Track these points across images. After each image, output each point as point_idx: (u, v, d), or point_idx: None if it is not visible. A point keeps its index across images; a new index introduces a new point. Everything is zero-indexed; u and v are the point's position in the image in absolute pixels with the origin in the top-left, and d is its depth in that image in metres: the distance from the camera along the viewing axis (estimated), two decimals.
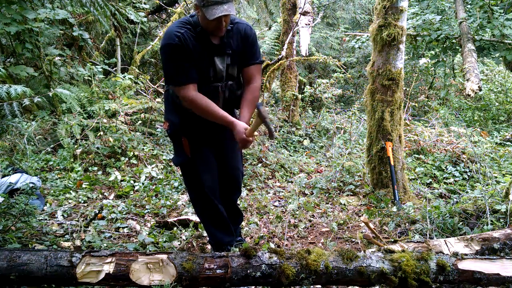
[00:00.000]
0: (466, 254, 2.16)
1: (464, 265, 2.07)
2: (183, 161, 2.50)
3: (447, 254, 2.15)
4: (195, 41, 2.24)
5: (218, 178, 2.61)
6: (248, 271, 2.04)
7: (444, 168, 4.69)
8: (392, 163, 3.82)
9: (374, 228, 3.14)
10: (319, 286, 2.31)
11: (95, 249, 2.58)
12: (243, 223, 3.30)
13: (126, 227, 3.29)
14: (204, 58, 2.29)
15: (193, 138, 2.46)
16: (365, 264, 2.06)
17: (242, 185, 3.34)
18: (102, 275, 2.00)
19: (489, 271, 2.04)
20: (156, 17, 9.46)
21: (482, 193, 3.24)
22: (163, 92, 6.54)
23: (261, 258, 2.08)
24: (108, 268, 2.01)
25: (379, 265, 2.06)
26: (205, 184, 2.51)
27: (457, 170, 4.58)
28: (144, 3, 7.30)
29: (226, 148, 2.62)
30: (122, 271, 2.01)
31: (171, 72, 2.26)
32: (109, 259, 2.03)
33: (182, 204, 3.82)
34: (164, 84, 6.60)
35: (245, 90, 2.44)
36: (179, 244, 2.98)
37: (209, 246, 2.94)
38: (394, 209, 3.54)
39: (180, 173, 4.54)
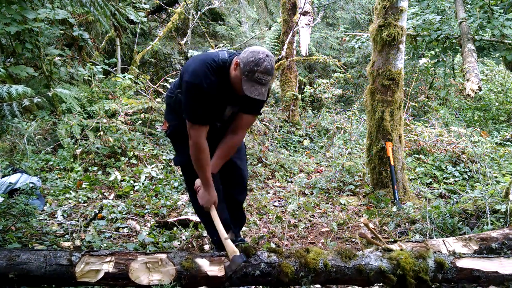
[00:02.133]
0: (464, 253, 2.17)
1: (462, 263, 2.08)
2: (183, 161, 2.50)
3: (445, 253, 2.15)
4: (220, 89, 2.26)
5: (223, 178, 2.62)
6: (247, 270, 2.05)
7: (444, 168, 4.69)
8: (392, 163, 3.83)
9: (374, 228, 3.15)
10: (319, 286, 2.31)
11: (94, 248, 2.58)
12: None
13: (126, 227, 3.29)
14: (220, 105, 2.35)
15: None
16: (363, 263, 2.07)
17: None
18: (101, 274, 2.00)
19: (487, 269, 2.05)
20: (156, 17, 9.46)
21: (482, 193, 3.24)
22: (163, 92, 6.57)
23: (260, 257, 2.08)
24: (108, 267, 2.01)
25: (377, 263, 2.06)
26: (239, 172, 2.67)
27: (457, 170, 4.58)
28: (144, 3, 7.30)
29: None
30: (121, 271, 2.01)
31: (191, 110, 2.27)
32: (108, 259, 2.03)
33: (182, 204, 3.82)
34: (163, 84, 6.61)
35: (227, 137, 2.45)
36: (179, 244, 2.98)
37: (206, 247, 2.94)
38: (394, 209, 3.54)
39: (180, 173, 4.55)
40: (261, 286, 2.26)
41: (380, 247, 2.21)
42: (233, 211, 2.72)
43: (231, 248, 2.11)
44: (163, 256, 2.05)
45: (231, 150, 2.46)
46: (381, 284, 2.14)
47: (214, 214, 2.32)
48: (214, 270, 2.05)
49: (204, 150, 2.31)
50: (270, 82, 2.20)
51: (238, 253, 2.07)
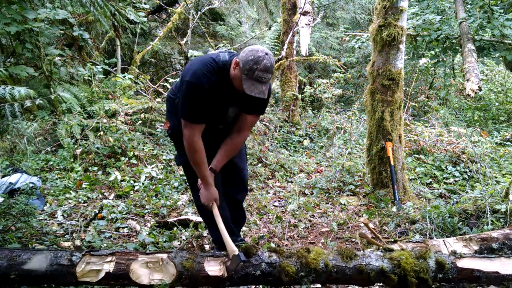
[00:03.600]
0: (465, 253, 2.17)
1: (463, 263, 2.08)
2: (184, 160, 2.50)
3: (446, 254, 2.15)
4: (221, 89, 2.26)
5: (224, 178, 2.62)
6: (248, 270, 2.05)
7: (444, 168, 4.69)
8: (392, 163, 3.82)
9: (374, 228, 3.14)
10: (319, 285, 2.31)
11: (95, 248, 2.57)
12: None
13: (126, 227, 3.29)
14: (221, 105, 2.35)
15: None
16: (364, 263, 2.06)
17: None
18: (102, 274, 2.00)
19: (488, 269, 2.05)
20: (156, 17, 9.46)
21: (482, 193, 3.24)
22: (163, 92, 6.57)
23: (261, 257, 2.08)
24: (108, 267, 2.00)
25: (378, 263, 2.06)
26: (240, 174, 2.71)
27: (457, 170, 4.58)
28: (144, 3, 7.30)
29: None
30: (122, 270, 2.01)
31: (187, 108, 2.27)
32: (109, 258, 2.03)
33: (182, 204, 3.82)
34: (163, 84, 6.61)
35: (231, 137, 2.46)
36: (179, 244, 2.98)
37: (207, 246, 2.94)
38: (394, 209, 3.54)
39: (181, 172, 4.55)
40: (261, 286, 2.26)
41: (381, 247, 2.21)
42: (233, 211, 2.72)
43: (231, 247, 2.11)
44: (164, 256, 2.05)
45: (234, 149, 2.46)
46: (381, 284, 2.14)
47: (216, 212, 2.33)
48: (214, 270, 2.05)
49: (198, 150, 2.31)
50: (270, 81, 2.20)
51: (237, 252, 2.07)
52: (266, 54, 2.12)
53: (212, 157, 2.44)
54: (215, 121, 2.41)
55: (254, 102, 2.31)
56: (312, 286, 2.17)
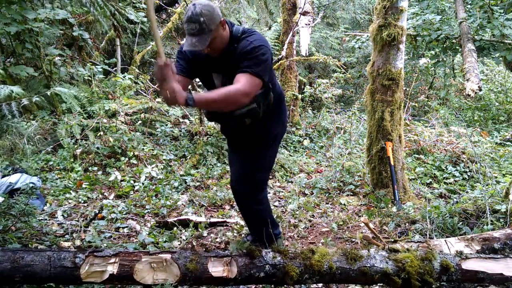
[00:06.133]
0: (471, 254, 2.15)
1: (467, 265, 2.06)
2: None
3: (451, 254, 2.14)
4: (196, 55, 2.25)
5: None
6: (252, 271, 2.04)
7: (444, 168, 4.69)
8: (392, 163, 3.82)
9: (374, 228, 3.14)
10: (320, 284, 2.31)
11: (99, 248, 2.56)
12: (243, 223, 3.28)
13: (126, 227, 3.29)
14: (205, 72, 2.32)
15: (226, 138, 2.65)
16: (369, 265, 2.05)
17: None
18: (106, 275, 2.00)
19: (492, 270, 2.04)
20: (156, 17, 9.45)
21: (482, 193, 3.24)
22: None
23: (265, 258, 2.07)
24: (112, 268, 2.00)
25: (383, 265, 2.05)
26: (230, 178, 2.65)
27: (457, 170, 4.58)
28: (144, 3, 7.29)
29: (236, 156, 2.61)
30: (126, 272, 2.00)
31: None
32: (112, 259, 2.02)
33: (182, 204, 3.82)
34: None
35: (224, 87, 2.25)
36: (179, 244, 2.98)
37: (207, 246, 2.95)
38: (394, 209, 3.54)
39: (181, 172, 4.56)
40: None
41: (386, 247, 2.19)
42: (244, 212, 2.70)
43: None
44: (168, 256, 2.04)
45: (219, 93, 2.06)
46: (382, 284, 2.13)
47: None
48: (219, 270, 2.05)
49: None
50: (208, 28, 2.01)
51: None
52: (193, 4, 2.03)
53: (234, 136, 2.43)
54: (209, 90, 2.35)
55: (232, 65, 2.16)
56: (312, 286, 2.17)
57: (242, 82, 2.07)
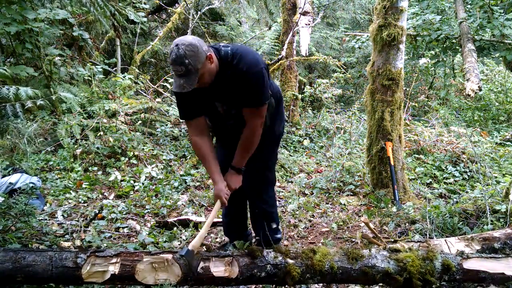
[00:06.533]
0: (472, 253, 2.15)
1: (469, 264, 2.06)
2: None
3: (452, 254, 2.14)
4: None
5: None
6: (253, 271, 2.04)
7: (444, 168, 4.69)
8: (392, 163, 3.82)
9: (374, 228, 3.14)
10: (321, 284, 2.31)
11: (100, 248, 2.56)
12: None
13: (126, 227, 3.29)
14: (206, 101, 2.31)
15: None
16: (370, 264, 2.05)
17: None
18: (107, 276, 2.00)
19: (494, 270, 2.04)
20: (156, 17, 9.46)
21: (482, 193, 3.24)
22: (163, 92, 6.57)
23: (266, 258, 2.07)
24: (114, 268, 2.00)
25: (384, 265, 2.05)
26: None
27: (457, 170, 4.58)
28: (144, 3, 7.30)
29: None
30: (128, 272, 2.00)
31: (178, 107, 2.35)
32: (114, 260, 2.02)
33: (182, 204, 3.82)
34: (163, 84, 6.60)
35: (242, 133, 2.37)
36: (179, 244, 2.98)
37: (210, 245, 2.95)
38: (394, 209, 3.54)
39: (181, 172, 4.56)
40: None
41: (387, 247, 2.19)
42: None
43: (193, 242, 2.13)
44: (169, 256, 2.04)
45: (246, 141, 2.33)
46: (383, 284, 2.13)
47: (215, 208, 2.33)
48: (220, 270, 2.05)
49: (196, 144, 2.34)
50: (195, 68, 2.00)
51: (189, 248, 2.06)
52: (176, 45, 2.00)
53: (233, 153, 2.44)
54: (214, 118, 2.39)
55: (234, 95, 2.22)
56: (313, 286, 2.17)
57: (252, 121, 2.27)
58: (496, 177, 4.18)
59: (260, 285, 2.37)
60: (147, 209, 3.67)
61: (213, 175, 2.35)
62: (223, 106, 2.33)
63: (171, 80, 6.59)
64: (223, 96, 2.26)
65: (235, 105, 2.29)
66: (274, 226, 2.66)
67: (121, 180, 4.32)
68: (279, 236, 2.72)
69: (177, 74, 2.02)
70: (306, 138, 6.43)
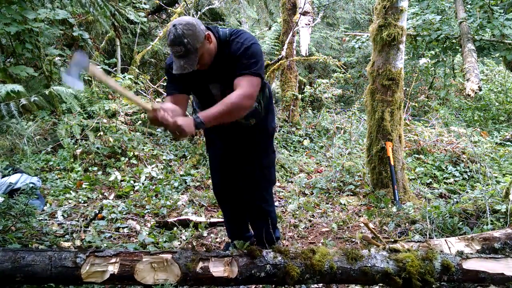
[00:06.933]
0: (471, 253, 2.15)
1: (468, 264, 2.06)
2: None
3: (452, 254, 2.14)
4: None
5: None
6: (253, 271, 2.04)
7: (444, 168, 4.69)
8: (392, 163, 3.82)
9: (374, 228, 3.14)
10: (320, 285, 2.31)
11: (99, 248, 2.56)
12: None
13: (126, 227, 3.29)
14: (200, 85, 2.27)
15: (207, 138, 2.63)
16: (369, 264, 2.05)
17: None
18: (107, 275, 2.00)
19: (493, 270, 2.04)
20: (156, 17, 9.46)
21: (482, 193, 3.24)
22: (163, 92, 6.57)
23: (266, 258, 2.07)
24: (113, 268, 2.00)
25: (383, 265, 2.05)
26: (212, 181, 2.69)
27: (457, 170, 4.58)
28: (144, 3, 7.30)
29: (239, 160, 2.55)
30: (127, 272, 2.00)
31: (167, 85, 2.32)
32: (113, 259, 2.02)
33: (182, 204, 3.82)
34: (162, 84, 6.61)
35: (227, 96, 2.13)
36: (179, 244, 2.98)
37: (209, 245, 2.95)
38: (394, 209, 3.54)
39: (181, 172, 4.56)
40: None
41: (387, 247, 2.19)
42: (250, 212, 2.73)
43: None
44: (168, 256, 2.04)
45: (227, 103, 2.02)
46: (382, 285, 2.13)
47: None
48: (219, 270, 2.05)
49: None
50: (194, 47, 1.97)
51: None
52: (174, 25, 1.97)
53: (235, 144, 2.41)
54: (208, 102, 2.24)
55: (228, 71, 2.14)
56: (312, 286, 2.17)
57: (243, 85, 2.05)
58: (496, 177, 4.18)
59: (260, 286, 2.37)
60: (147, 209, 3.67)
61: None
62: (220, 87, 2.24)
63: None
64: (221, 76, 2.20)
65: (232, 84, 2.17)
66: (273, 225, 2.63)
67: (121, 180, 4.32)
68: (277, 235, 2.71)
69: (177, 55, 1.99)
70: (306, 138, 6.43)
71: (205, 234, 3.20)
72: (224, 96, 2.09)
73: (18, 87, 3.50)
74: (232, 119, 2.13)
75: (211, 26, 2.19)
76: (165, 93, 2.28)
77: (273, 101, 2.62)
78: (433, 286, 2.06)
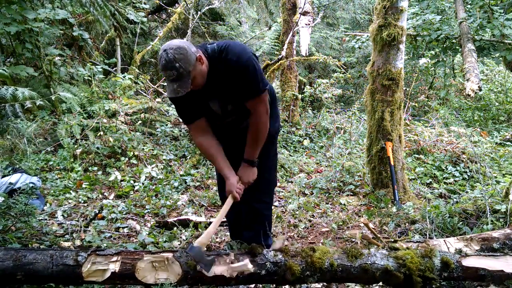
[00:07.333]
0: (470, 252, 2.16)
1: (468, 262, 2.07)
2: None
3: (451, 252, 2.15)
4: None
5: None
6: (254, 269, 2.04)
7: (444, 168, 4.69)
8: (392, 163, 3.82)
9: (374, 228, 3.14)
10: (320, 285, 2.31)
11: (100, 248, 2.56)
12: None
13: (126, 227, 3.29)
14: (200, 103, 2.29)
15: None
16: (369, 262, 2.06)
17: None
18: (108, 274, 2.00)
19: (493, 268, 2.04)
20: (156, 17, 9.46)
21: (482, 193, 3.24)
22: (163, 92, 6.57)
23: (266, 256, 2.08)
24: (114, 267, 2.00)
25: (383, 262, 2.06)
26: (217, 179, 2.73)
27: (457, 170, 4.58)
28: (144, 3, 7.30)
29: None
30: (128, 270, 2.00)
31: (178, 113, 2.40)
32: (114, 258, 2.02)
33: (182, 204, 3.82)
34: (162, 84, 6.60)
35: (249, 124, 2.34)
36: (179, 244, 2.98)
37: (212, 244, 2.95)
38: (394, 209, 3.54)
39: (181, 172, 4.56)
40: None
41: (386, 246, 2.20)
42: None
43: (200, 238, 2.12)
44: (169, 255, 2.04)
45: (255, 132, 2.30)
46: (384, 284, 2.13)
47: (226, 204, 2.30)
48: (220, 269, 2.05)
49: (201, 145, 2.36)
50: (186, 70, 1.98)
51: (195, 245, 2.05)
52: (165, 50, 1.98)
53: (239, 150, 2.42)
54: (210, 119, 2.35)
55: (229, 88, 2.19)
56: (312, 285, 2.17)
57: (257, 107, 2.23)
58: (496, 177, 4.18)
59: (260, 286, 2.37)
60: (147, 209, 3.67)
61: (224, 171, 2.32)
62: (219, 103, 2.28)
63: None
64: (218, 92, 2.23)
65: (231, 99, 2.25)
66: (266, 230, 2.59)
67: (121, 180, 4.32)
68: (269, 242, 2.63)
69: (170, 79, 2.01)
70: (306, 138, 6.43)
71: None
72: (225, 111, 2.29)
73: (26, 92, 3.52)
74: (264, 137, 2.36)
75: (199, 45, 2.20)
76: (169, 100, 2.31)
77: (276, 103, 2.62)
78: (433, 286, 2.07)
